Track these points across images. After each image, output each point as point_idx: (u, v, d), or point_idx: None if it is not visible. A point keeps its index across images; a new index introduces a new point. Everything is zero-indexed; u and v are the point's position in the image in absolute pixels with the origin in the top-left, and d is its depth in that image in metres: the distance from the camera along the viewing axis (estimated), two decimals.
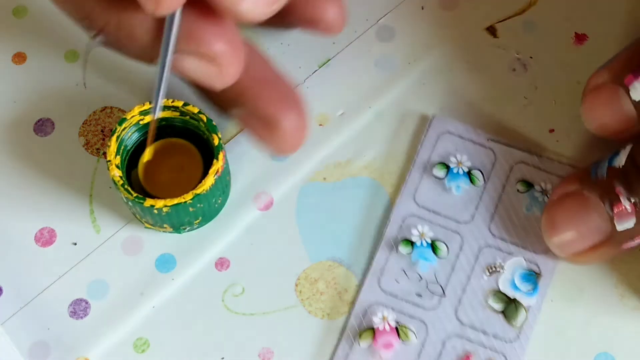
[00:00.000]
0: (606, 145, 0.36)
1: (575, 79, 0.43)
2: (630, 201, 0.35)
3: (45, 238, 0.40)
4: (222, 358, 0.38)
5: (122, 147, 0.38)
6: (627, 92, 0.36)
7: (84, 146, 0.42)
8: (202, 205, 0.38)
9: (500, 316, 0.38)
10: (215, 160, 0.37)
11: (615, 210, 0.35)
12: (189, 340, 0.38)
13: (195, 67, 0.34)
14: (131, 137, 0.39)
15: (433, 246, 0.39)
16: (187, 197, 0.37)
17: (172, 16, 0.33)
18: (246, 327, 0.38)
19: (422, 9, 0.45)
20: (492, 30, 0.44)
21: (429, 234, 0.39)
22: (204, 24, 0.33)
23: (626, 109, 0.37)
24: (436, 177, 0.40)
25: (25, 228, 0.40)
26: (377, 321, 0.38)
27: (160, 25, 0.33)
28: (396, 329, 0.38)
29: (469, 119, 0.42)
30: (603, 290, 0.39)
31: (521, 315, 0.38)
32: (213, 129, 0.38)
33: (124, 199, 0.37)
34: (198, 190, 0.37)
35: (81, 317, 0.38)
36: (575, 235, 0.37)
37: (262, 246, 0.40)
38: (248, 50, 0.36)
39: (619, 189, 0.35)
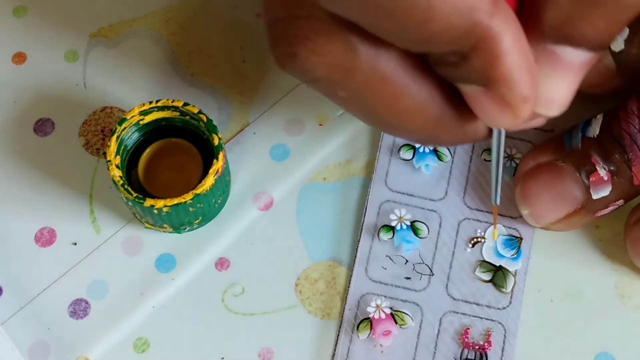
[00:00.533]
0: (572, 109, 0.33)
1: None
2: (605, 169, 0.36)
3: (45, 238, 0.40)
4: (222, 358, 0.38)
5: (122, 147, 0.38)
6: None
7: (84, 146, 0.42)
8: (202, 205, 0.38)
9: (490, 285, 0.38)
10: (215, 160, 0.37)
11: (592, 179, 0.36)
12: (189, 340, 0.38)
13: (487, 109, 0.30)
14: (131, 137, 0.39)
15: (413, 228, 0.39)
16: (187, 197, 0.37)
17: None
18: (246, 327, 0.38)
19: None
20: None
21: (407, 217, 0.39)
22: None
23: (605, 61, 0.37)
24: (404, 160, 0.40)
25: (25, 228, 0.40)
26: (371, 311, 0.38)
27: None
28: (392, 315, 0.38)
29: None
30: (603, 290, 0.39)
31: (510, 280, 0.38)
32: (213, 129, 0.38)
33: (124, 199, 0.37)
34: (198, 190, 0.37)
35: (81, 317, 0.38)
36: (551, 206, 0.37)
37: (262, 246, 0.40)
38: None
39: (595, 158, 0.36)
